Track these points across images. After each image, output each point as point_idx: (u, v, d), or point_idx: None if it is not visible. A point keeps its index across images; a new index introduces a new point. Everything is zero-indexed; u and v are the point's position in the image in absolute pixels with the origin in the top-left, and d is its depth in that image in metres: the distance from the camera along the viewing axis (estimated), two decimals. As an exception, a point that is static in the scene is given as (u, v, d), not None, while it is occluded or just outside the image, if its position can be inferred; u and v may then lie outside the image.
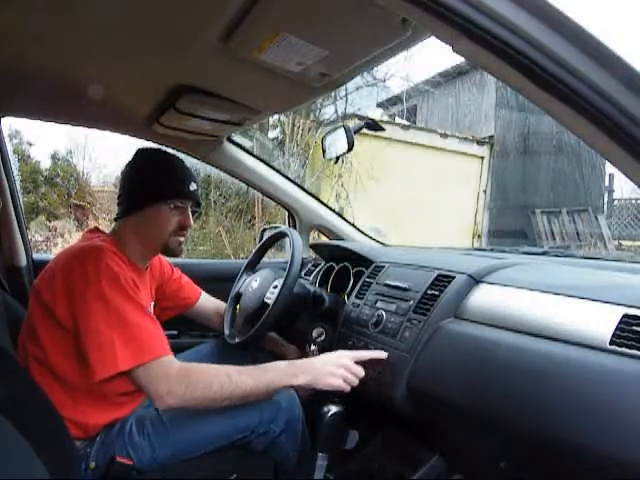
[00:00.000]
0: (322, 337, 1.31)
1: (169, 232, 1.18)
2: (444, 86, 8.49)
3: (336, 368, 1.05)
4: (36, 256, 1.71)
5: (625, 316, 0.77)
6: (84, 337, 0.99)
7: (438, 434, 1.06)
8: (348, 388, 1.06)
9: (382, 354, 1.08)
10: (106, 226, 1.35)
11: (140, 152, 1.22)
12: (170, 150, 1.45)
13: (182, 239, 1.21)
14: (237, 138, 1.71)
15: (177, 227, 1.18)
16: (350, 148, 1.31)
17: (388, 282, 1.24)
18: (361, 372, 1.08)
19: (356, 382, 1.06)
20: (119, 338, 0.97)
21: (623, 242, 7.30)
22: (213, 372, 1.02)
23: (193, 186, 1.19)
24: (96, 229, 1.23)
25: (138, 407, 1.13)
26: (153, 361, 0.99)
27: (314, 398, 1.18)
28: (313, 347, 1.30)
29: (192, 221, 1.21)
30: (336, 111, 7.01)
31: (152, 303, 1.30)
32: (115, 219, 1.22)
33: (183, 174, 1.19)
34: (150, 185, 1.16)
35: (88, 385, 1.02)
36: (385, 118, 8.64)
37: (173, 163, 1.21)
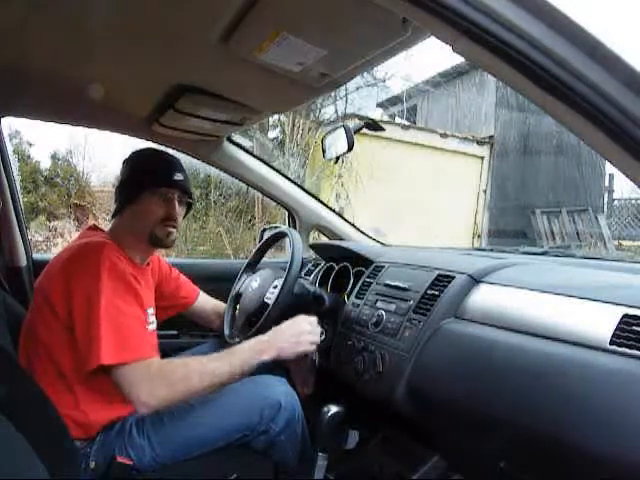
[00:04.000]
0: (322, 337, 1.30)
1: (154, 221, 1.18)
2: (444, 86, 8.47)
3: (299, 335, 1.13)
4: (36, 256, 1.71)
5: (625, 316, 0.76)
6: (77, 327, 1.00)
7: (438, 434, 1.05)
8: (313, 348, 1.16)
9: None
10: (106, 226, 1.36)
11: (132, 153, 1.26)
12: (170, 150, 1.45)
13: (171, 230, 1.20)
14: (237, 138, 1.71)
15: (163, 216, 1.18)
16: (350, 148, 1.31)
17: (388, 282, 1.24)
18: (319, 331, 1.18)
19: (318, 340, 1.17)
20: (108, 333, 0.98)
21: (623, 242, 7.30)
22: (190, 365, 1.05)
23: (178, 176, 1.20)
24: (95, 227, 1.24)
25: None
26: (136, 363, 0.99)
27: (314, 398, 1.18)
28: (313, 347, 1.30)
29: (178, 210, 1.21)
30: (336, 111, 7.02)
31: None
32: (113, 216, 1.24)
33: (166, 164, 1.22)
34: (135, 177, 1.19)
35: (89, 383, 1.03)
36: (385, 118, 8.64)
37: (157, 155, 1.25)
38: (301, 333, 1.14)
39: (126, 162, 1.24)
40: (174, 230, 1.21)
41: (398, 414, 1.07)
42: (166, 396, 0.99)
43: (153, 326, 1.22)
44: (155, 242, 1.21)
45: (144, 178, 1.18)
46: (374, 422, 1.23)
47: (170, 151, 1.43)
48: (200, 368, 1.04)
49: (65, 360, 1.04)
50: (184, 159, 1.42)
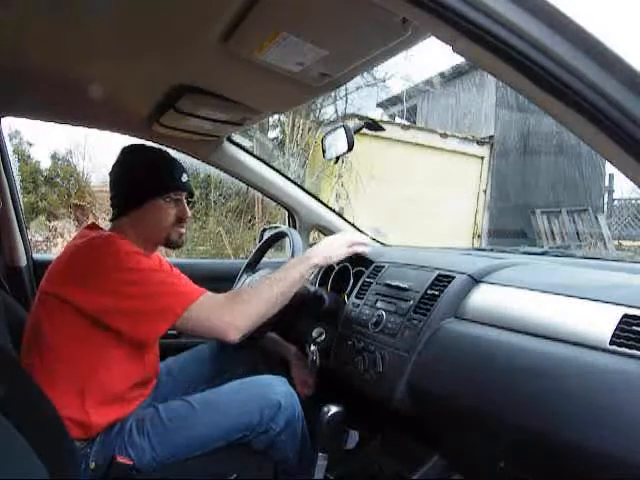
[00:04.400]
0: (322, 337, 1.30)
1: (169, 225, 1.19)
2: (444, 86, 8.47)
3: (332, 244, 1.21)
4: (36, 256, 1.71)
5: (625, 316, 0.77)
6: (125, 314, 1.01)
7: (438, 434, 1.05)
8: (366, 249, 1.27)
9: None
10: (105, 225, 1.36)
11: (126, 151, 1.23)
12: (170, 150, 1.45)
13: (182, 230, 1.23)
14: (237, 138, 1.71)
15: (176, 219, 1.20)
16: (350, 148, 1.31)
17: (388, 282, 1.24)
18: (363, 239, 1.29)
19: (353, 240, 1.23)
20: (164, 292, 1.02)
21: (623, 242, 7.30)
22: (254, 286, 1.12)
23: (185, 177, 1.21)
24: (93, 225, 1.24)
25: (138, 407, 1.13)
26: (202, 297, 1.03)
27: (314, 398, 1.19)
28: (313, 347, 1.30)
29: (189, 212, 1.23)
30: (336, 111, 7.02)
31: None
32: (111, 220, 1.22)
33: (174, 167, 1.21)
34: (144, 182, 1.17)
35: (98, 384, 1.04)
36: (385, 118, 8.64)
37: (163, 158, 1.23)
38: (331, 242, 1.22)
39: (126, 164, 1.21)
40: (184, 230, 1.24)
41: (398, 414, 1.07)
42: (245, 311, 1.04)
43: None
44: (169, 244, 1.23)
45: (154, 183, 1.17)
46: (374, 422, 1.24)
47: (170, 151, 1.43)
48: (262, 282, 1.12)
49: (80, 362, 1.04)
50: (184, 159, 1.42)
